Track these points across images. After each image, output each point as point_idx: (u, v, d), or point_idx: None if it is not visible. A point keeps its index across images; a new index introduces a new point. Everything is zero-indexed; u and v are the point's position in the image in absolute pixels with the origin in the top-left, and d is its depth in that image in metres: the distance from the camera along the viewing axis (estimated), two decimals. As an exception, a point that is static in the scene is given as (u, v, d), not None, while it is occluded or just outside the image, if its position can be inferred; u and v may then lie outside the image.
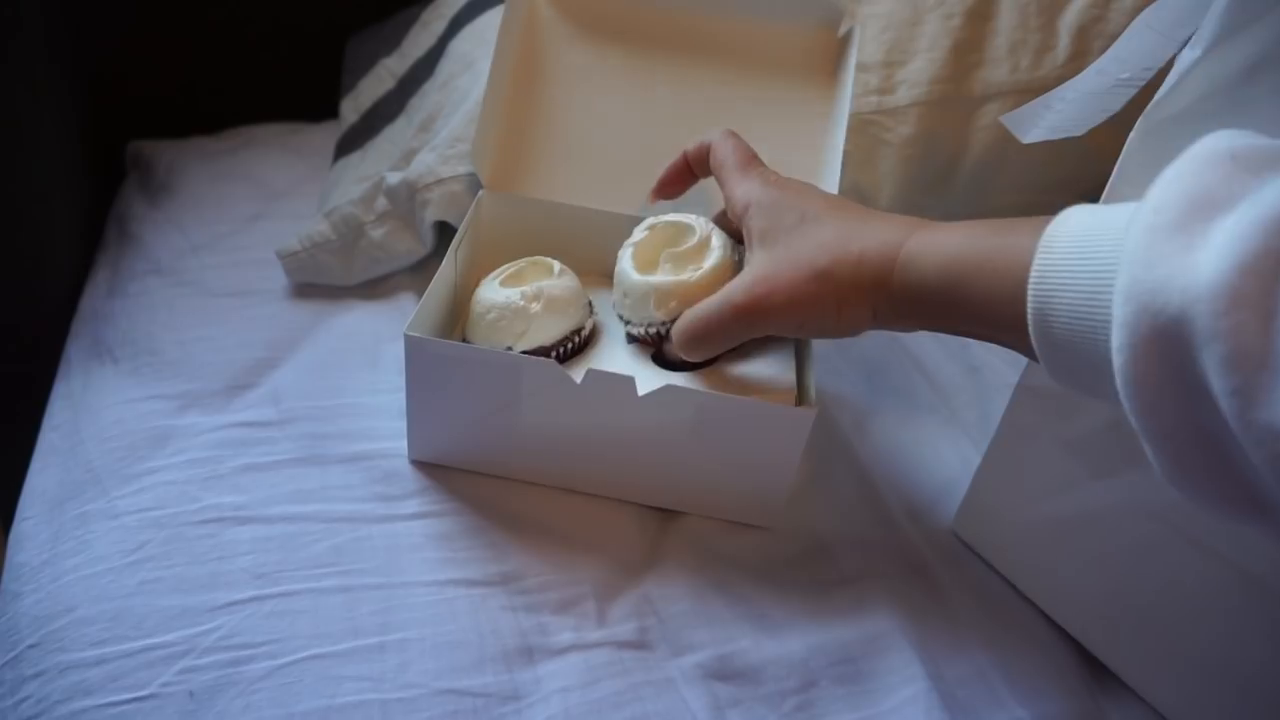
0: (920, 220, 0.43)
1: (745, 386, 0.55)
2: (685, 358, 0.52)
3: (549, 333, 0.56)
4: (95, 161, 0.89)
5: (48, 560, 0.53)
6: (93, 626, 0.49)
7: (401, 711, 0.46)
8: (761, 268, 0.46)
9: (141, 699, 0.46)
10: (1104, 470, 0.49)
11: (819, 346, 0.67)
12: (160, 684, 0.46)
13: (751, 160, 0.52)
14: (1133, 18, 0.50)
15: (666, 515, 0.58)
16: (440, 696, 0.47)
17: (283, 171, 0.87)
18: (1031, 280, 0.33)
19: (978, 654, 0.52)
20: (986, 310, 0.37)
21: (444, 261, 0.58)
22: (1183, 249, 0.27)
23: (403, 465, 0.59)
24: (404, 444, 0.59)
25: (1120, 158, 0.44)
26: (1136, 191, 0.32)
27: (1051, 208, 0.36)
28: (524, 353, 0.55)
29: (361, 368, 0.66)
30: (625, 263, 0.57)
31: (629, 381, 0.52)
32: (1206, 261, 0.26)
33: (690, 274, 0.54)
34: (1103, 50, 0.47)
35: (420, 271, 0.75)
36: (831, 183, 0.61)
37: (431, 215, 0.71)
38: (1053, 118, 0.51)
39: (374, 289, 0.74)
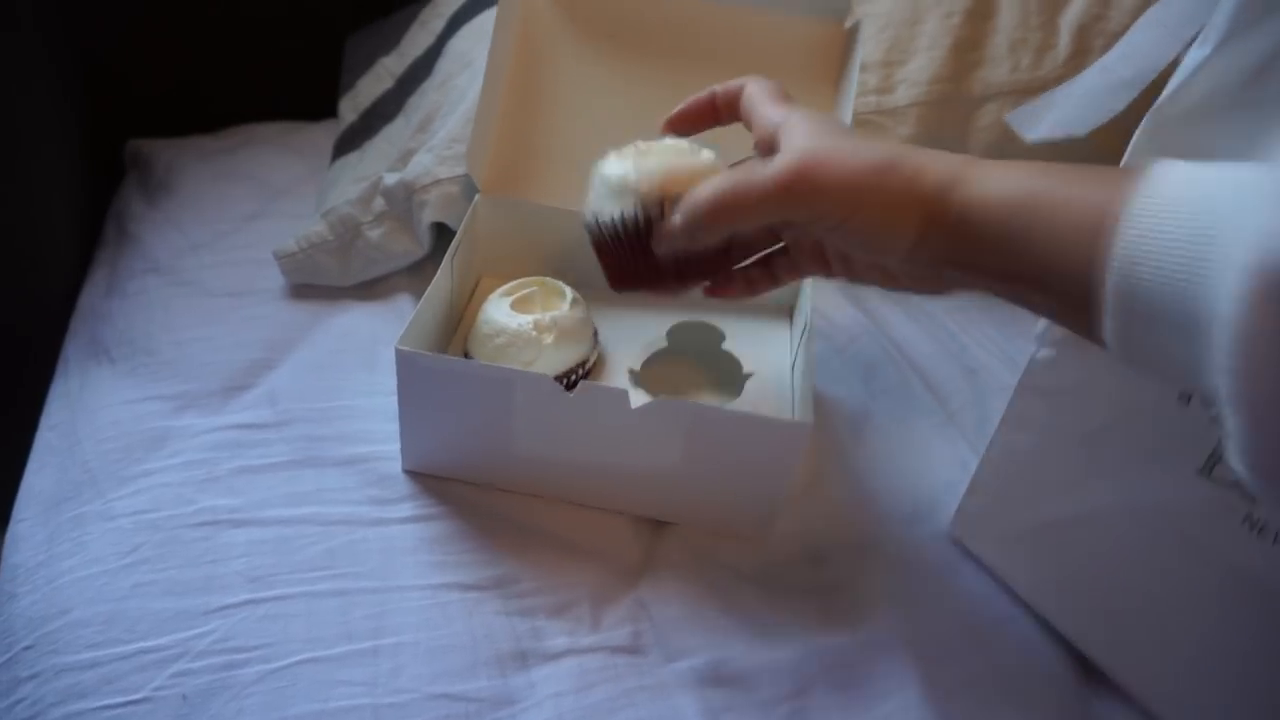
0: (973, 158, 0.39)
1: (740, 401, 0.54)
2: (687, 239, 0.44)
3: (556, 364, 0.56)
4: (94, 160, 0.89)
5: (43, 562, 0.53)
6: (88, 629, 0.49)
7: (394, 716, 0.46)
8: (809, 146, 0.40)
9: (135, 702, 0.46)
10: (1103, 472, 0.49)
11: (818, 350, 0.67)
12: (154, 688, 0.46)
13: (788, 97, 0.46)
14: (1135, 16, 0.49)
15: (661, 523, 0.58)
16: (433, 701, 0.47)
17: (282, 170, 0.87)
18: (1122, 226, 0.31)
19: (971, 660, 0.52)
20: (1050, 257, 0.34)
21: (439, 271, 0.58)
22: None
23: (398, 468, 0.59)
24: (399, 446, 0.59)
25: (1126, 155, 0.44)
26: None
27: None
28: None
29: (358, 369, 0.66)
30: (608, 163, 0.48)
31: (621, 394, 0.51)
32: None
33: (690, 159, 0.47)
34: (1104, 49, 0.47)
35: (417, 272, 0.75)
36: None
37: (429, 216, 0.71)
38: (1056, 115, 0.51)
39: (371, 289, 0.74)
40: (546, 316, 0.56)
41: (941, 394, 0.69)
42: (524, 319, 0.56)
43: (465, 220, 0.62)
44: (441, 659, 0.49)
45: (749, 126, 0.46)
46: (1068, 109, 0.49)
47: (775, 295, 0.54)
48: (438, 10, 0.85)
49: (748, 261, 0.50)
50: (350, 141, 0.85)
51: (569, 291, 0.59)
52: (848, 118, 0.62)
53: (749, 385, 0.61)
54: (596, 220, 0.48)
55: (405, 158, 0.74)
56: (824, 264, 0.47)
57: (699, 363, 0.64)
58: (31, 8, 0.76)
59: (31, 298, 0.76)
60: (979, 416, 0.67)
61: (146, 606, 0.50)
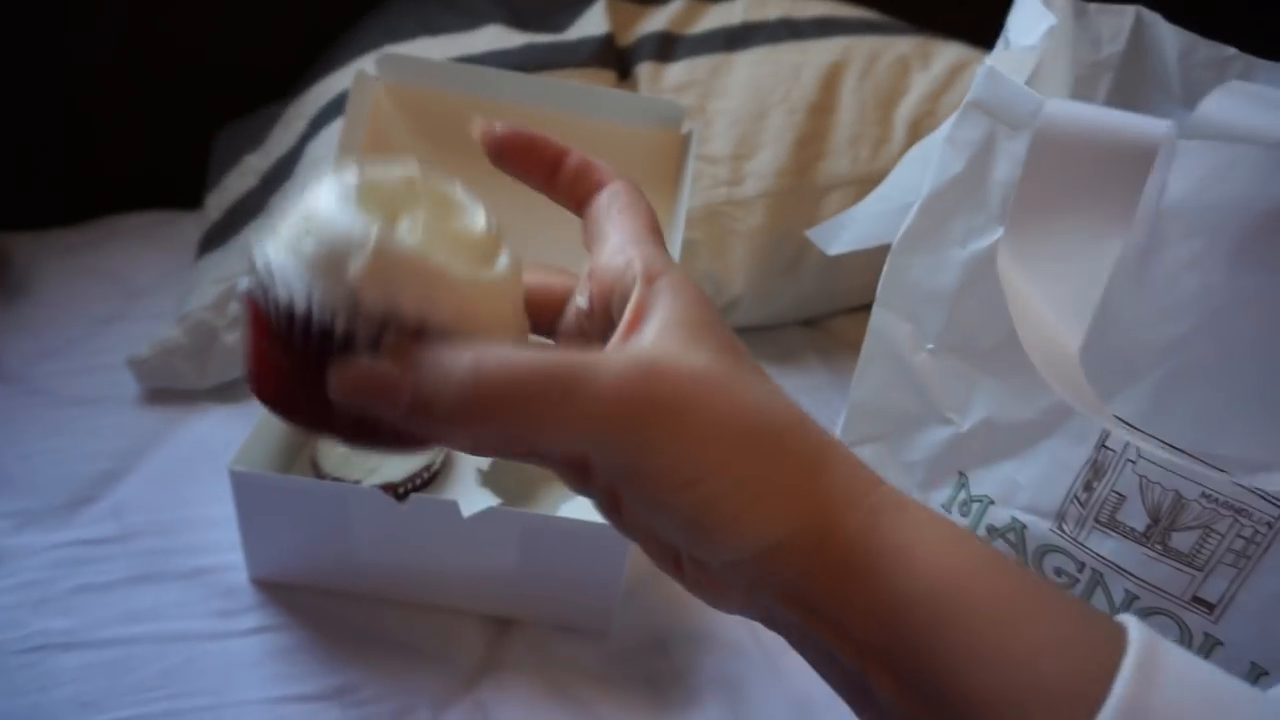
0: (891, 486, 0.27)
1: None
2: (429, 431, 0.26)
3: (400, 470, 0.58)
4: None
5: None
6: (-97, 770, 0.48)
7: (221, 841, 0.46)
8: (677, 359, 0.25)
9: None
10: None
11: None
12: (-31, 829, 0.46)
13: (657, 230, 0.31)
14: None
15: (507, 620, 0.60)
16: (263, 822, 0.47)
17: (147, 267, 0.88)
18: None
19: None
20: (955, 666, 0.24)
21: None
22: None
23: (244, 578, 0.59)
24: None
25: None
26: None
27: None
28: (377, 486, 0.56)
29: (210, 476, 0.66)
30: (327, 189, 0.26)
31: (452, 506, 0.53)
32: None
33: (479, 269, 0.27)
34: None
35: (278, 371, 0.76)
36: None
37: (284, 318, 0.71)
38: (856, 229, 0.55)
39: (230, 391, 0.74)
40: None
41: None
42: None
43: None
44: (274, 777, 0.49)
45: (588, 242, 0.31)
46: (862, 228, 0.54)
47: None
48: (301, 111, 0.87)
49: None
50: (215, 238, 0.85)
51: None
52: (681, 219, 0.66)
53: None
54: (265, 294, 0.26)
55: (263, 259, 0.75)
56: (614, 510, 0.29)
57: None
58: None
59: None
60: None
61: (-32, 741, 0.49)
